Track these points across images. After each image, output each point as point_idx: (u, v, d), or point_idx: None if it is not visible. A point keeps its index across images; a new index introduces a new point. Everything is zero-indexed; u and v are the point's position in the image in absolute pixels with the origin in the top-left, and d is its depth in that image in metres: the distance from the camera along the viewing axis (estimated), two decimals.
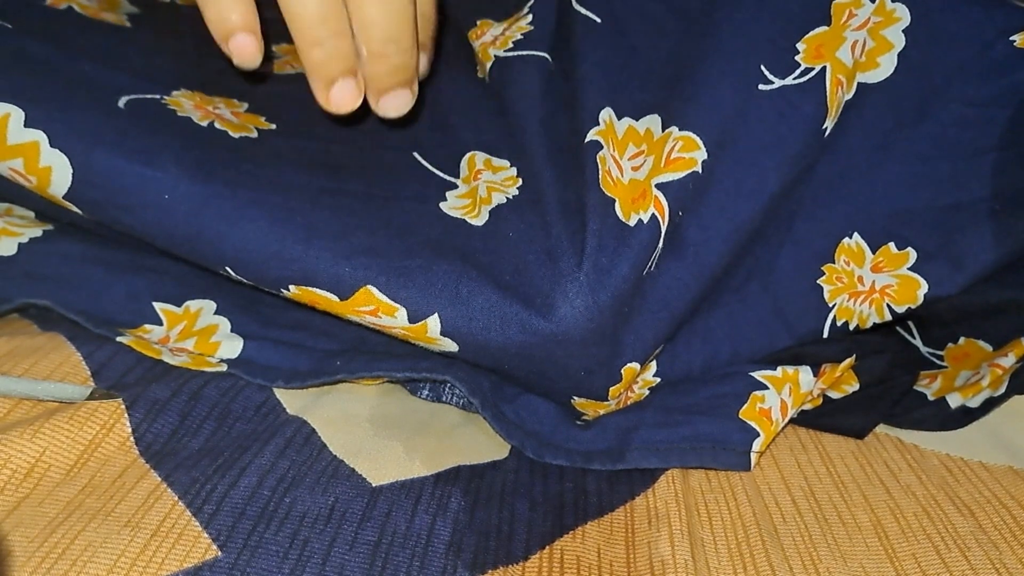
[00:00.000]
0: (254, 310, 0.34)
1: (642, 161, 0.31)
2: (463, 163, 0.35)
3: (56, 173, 0.27)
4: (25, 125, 0.27)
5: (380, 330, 0.31)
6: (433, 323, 0.29)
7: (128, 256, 0.33)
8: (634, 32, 0.34)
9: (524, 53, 0.35)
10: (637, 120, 0.32)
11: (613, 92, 0.33)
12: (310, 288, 0.29)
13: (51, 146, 0.27)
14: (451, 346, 0.30)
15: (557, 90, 0.34)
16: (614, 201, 0.30)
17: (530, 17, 0.37)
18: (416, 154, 0.35)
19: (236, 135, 0.32)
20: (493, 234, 0.31)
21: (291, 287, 0.29)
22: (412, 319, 0.29)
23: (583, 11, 0.34)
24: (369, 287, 0.29)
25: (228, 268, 0.29)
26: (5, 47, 0.30)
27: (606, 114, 0.32)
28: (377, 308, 0.29)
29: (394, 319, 0.29)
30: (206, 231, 0.28)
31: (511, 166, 0.34)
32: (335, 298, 0.29)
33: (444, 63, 0.37)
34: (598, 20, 0.34)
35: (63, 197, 0.28)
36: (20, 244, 0.32)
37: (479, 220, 0.32)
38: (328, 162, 0.33)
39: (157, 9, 0.42)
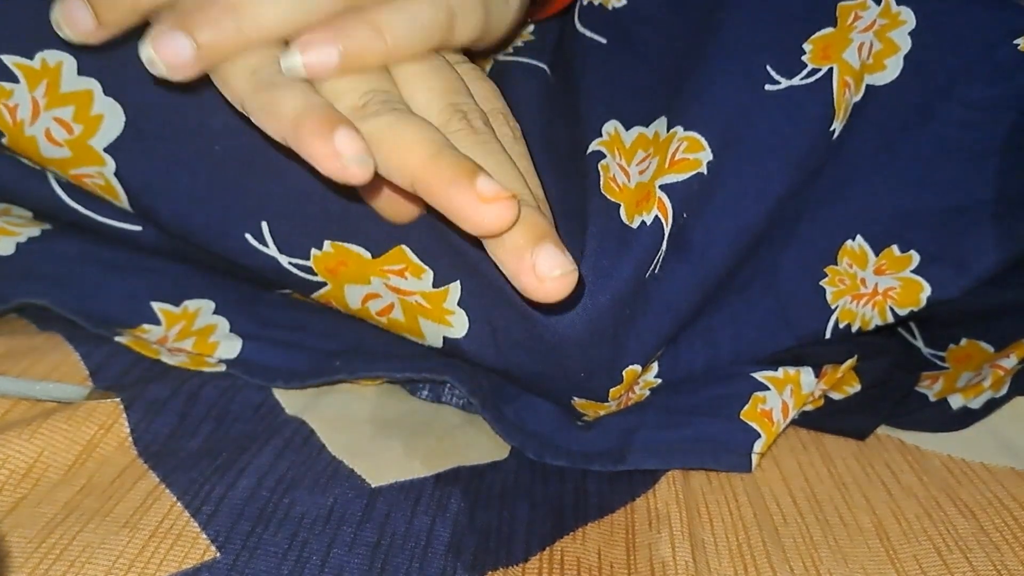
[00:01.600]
0: (253, 310, 0.34)
1: (648, 164, 0.31)
2: None
3: (107, 120, 0.27)
4: (79, 73, 0.27)
5: (381, 327, 0.30)
6: (454, 290, 0.29)
7: (126, 256, 0.33)
8: (646, 45, 0.34)
9: (523, 60, 0.35)
10: (647, 126, 0.32)
11: (621, 105, 0.32)
12: (344, 243, 0.29)
13: (104, 94, 0.27)
14: (461, 326, 0.30)
15: (556, 100, 0.34)
16: (619, 206, 0.30)
17: (531, 27, 0.36)
18: None
19: None
20: None
21: (326, 243, 0.29)
22: (436, 283, 0.29)
23: (588, 34, 0.34)
24: (403, 246, 0.29)
25: (266, 222, 0.29)
26: None
27: (611, 126, 0.32)
28: (406, 268, 0.29)
29: (420, 281, 0.29)
30: (250, 182, 0.28)
31: None
32: (367, 254, 0.29)
33: None
34: (603, 41, 0.34)
35: (104, 148, 0.28)
36: (18, 244, 0.32)
37: None
38: None
39: None
